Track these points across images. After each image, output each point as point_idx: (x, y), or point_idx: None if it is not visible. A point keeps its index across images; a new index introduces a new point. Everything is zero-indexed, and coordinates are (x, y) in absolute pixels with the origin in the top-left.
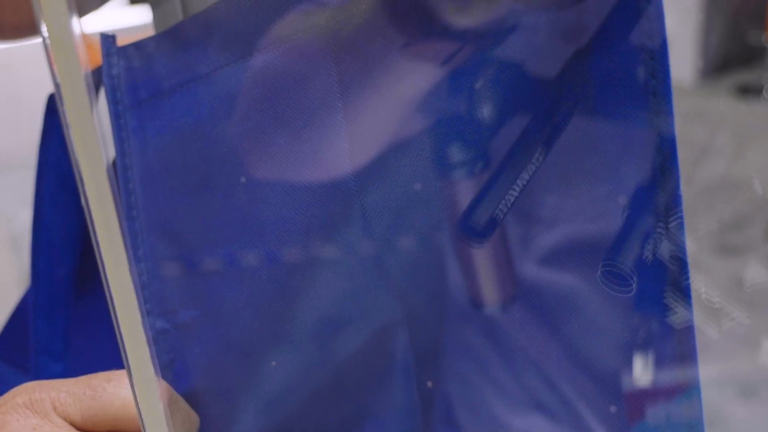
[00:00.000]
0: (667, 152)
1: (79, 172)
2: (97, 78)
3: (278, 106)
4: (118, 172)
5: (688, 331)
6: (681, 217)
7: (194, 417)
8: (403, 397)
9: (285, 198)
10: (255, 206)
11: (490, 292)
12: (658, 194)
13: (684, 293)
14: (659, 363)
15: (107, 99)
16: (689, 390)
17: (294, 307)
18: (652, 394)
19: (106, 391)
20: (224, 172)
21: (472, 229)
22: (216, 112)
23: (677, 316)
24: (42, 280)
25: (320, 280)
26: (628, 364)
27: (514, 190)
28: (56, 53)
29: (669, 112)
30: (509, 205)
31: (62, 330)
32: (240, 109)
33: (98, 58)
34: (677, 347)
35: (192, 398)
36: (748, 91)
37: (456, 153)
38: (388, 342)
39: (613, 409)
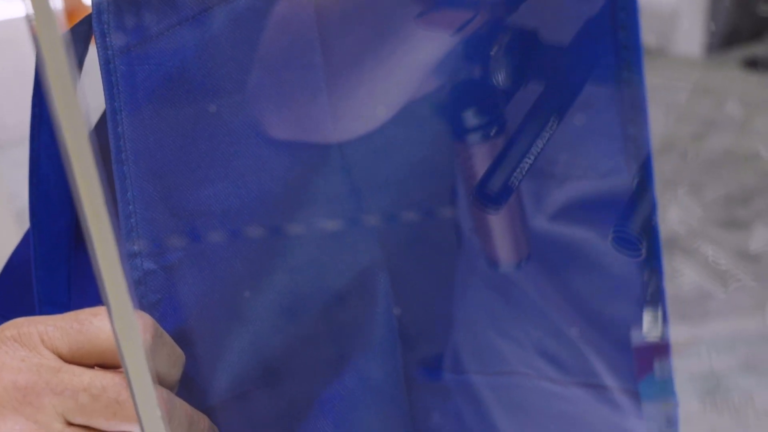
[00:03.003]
0: (638, 113)
1: (58, 123)
2: (87, 25)
3: (259, 48)
4: (108, 116)
5: (660, 295)
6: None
7: (179, 353)
8: (383, 338)
9: (266, 139)
10: (238, 148)
11: (501, 250)
12: (629, 156)
13: (656, 255)
14: (636, 322)
15: (97, 45)
16: (662, 349)
17: (275, 247)
18: (637, 349)
19: (92, 324)
20: (209, 115)
21: (487, 196)
22: (201, 55)
23: (648, 276)
24: (42, 232)
25: (300, 221)
26: (615, 320)
27: (529, 157)
28: (36, 15)
29: (639, 76)
30: (524, 172)
31: (64, 280)
32: (223, 51)
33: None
34: (648, 309)
35: (179, 337)
36: (756, 64)
37: (436, 104)
38: (368, 285)
39: (574, 331)
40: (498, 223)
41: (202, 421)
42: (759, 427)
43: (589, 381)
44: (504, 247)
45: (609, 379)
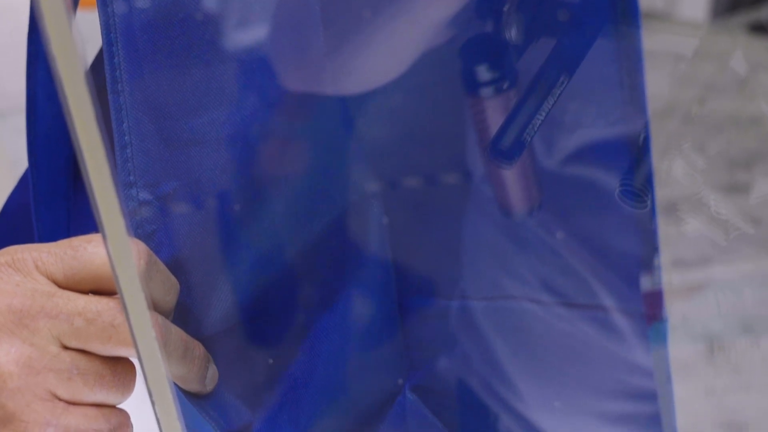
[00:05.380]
0: (635, 71)
1: (54, 56)
2: None
3: None
4: (104, 48)
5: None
6: (648, 134)
7: (174, 280)
8: (376, 268)
9: (260, 66)
10: (232, 75)
11: (514, 199)
12: (628, 111)
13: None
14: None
15: None
16: (656, 295)
17: (270, 175)
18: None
19: (87, 250)
20: (203, 42)
21: (500, 152)
22: None
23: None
24: (41, 170)
25: (295, 149)
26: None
27: (541, 113)
28: None
29: (637, 29)
30: (536, 128)
31: (63, 218)
32: None
33: None
34: (646, 255)
35: (174, 267)
36: (762, 28)
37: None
38: (363, 213)
39: (571, 257)
40: (510, 175)
41: (197, 348)
42: (763, 373)
43: (582, 302)
44: (516, 197)
45: (607, 301)
